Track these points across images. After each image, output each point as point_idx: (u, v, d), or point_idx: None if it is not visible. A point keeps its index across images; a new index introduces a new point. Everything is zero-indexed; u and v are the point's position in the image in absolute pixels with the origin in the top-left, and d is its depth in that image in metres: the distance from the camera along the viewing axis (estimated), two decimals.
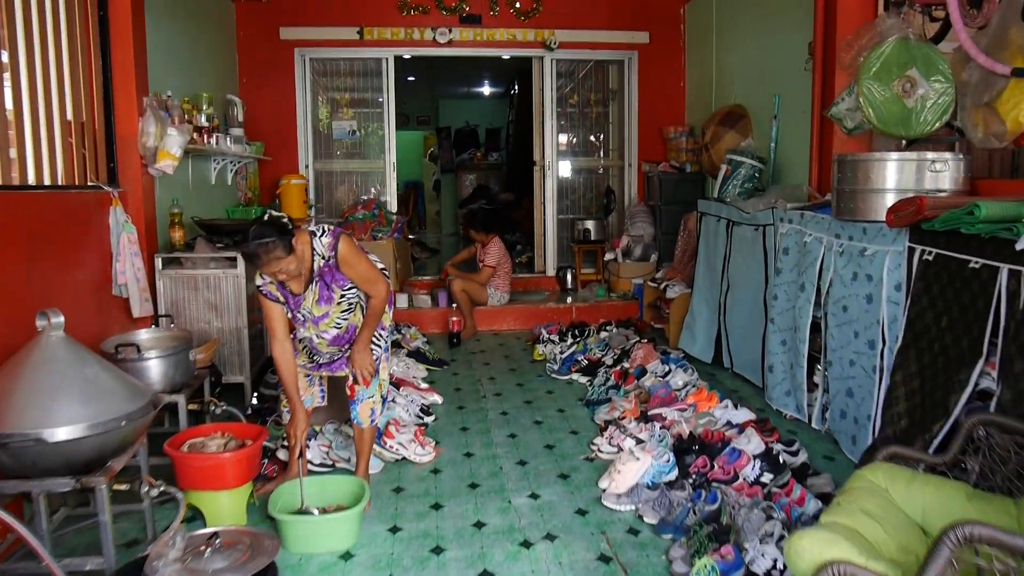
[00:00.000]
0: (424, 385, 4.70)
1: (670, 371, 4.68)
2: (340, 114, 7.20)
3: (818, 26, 4.64)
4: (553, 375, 5.03)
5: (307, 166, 7.02)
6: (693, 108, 7.19)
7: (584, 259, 7.29)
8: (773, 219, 4.37)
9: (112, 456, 2.53)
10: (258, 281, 3.00)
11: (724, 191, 5.16)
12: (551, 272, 7.38)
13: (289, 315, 3.09)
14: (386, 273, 3.29)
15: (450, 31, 6.91)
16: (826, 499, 2.93)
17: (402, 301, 6.47)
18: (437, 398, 4.49)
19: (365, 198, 6.92)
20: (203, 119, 5.07)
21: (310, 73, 7.01)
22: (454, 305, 6.07)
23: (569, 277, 7.18)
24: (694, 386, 4.43)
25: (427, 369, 5.16)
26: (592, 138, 7.59)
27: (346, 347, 3.20)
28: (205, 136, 5.02)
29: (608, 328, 5.91)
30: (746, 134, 5.87)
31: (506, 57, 9.75)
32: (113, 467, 2.50)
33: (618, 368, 4.81)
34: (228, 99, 6.04)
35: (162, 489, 2.56)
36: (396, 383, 4.54)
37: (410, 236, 12.30)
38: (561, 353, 5.32)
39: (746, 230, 4.71)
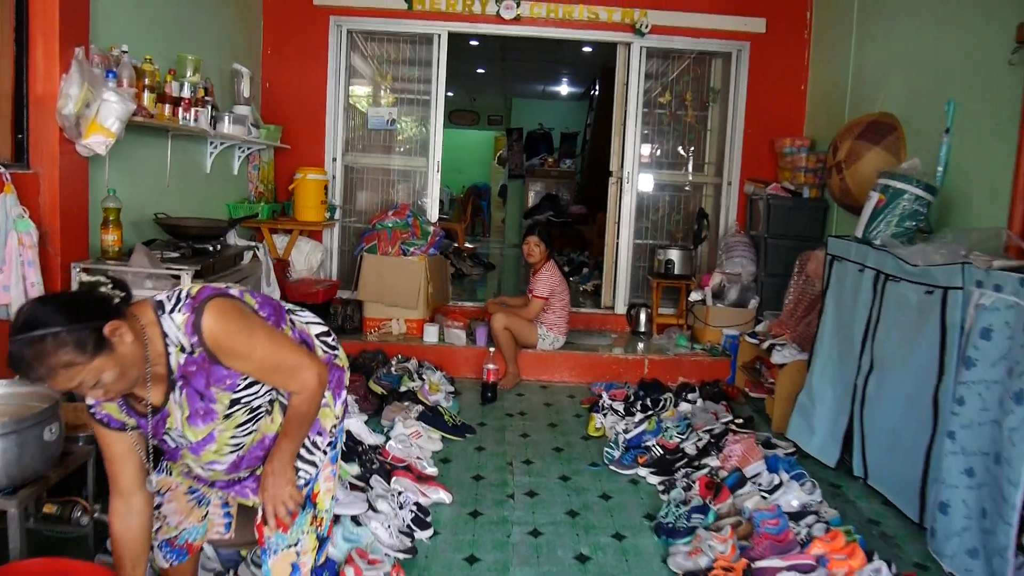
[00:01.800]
0: (430, 469, 3.39)
1: (780, 484, 3.25)
2: (378, 99, 5.99)
3: None
4: (612, 466, 3.65)
5: (335, 159, 5.82)
6: (816, 117, 5.69)
7: (663, 297, 5.87)
8: (963, 280, 2.90)
9: None
10: (89, 399, 1.71)
11: (873, 229, 3.69)
12: (621, 309, 5.99)
13: (153, 441, 1.79)
14: (325, 347, 1.99)
15: (517, 5, 5.61)
16: None
17: (431, 335, 5.18)
18: (443, 495, 3.17)
19: (399, 203, 5.67)
20: (184, 89, 3.91)
21: (346, 48, 5.82)
22: (491, 350, 4.73)
23: (643, 318, 5.77)
24: (820, 519, 3.00)
25: (443, 438, 3.85)
26: (683, 148, 6.15)
27: (259, 466, 1.91)
28: (181, 111, 3.84)
29: (690, 396, 4.49)
30: (897, 153, 4.37)
31: (587, 49, 8.46)
32: None
33: (705, 473, 3.40)
34: (234, 69, 4.89)
35: None
36: (389, 466, 3.25)
37: (467, 245, 11.10)
38: (626, 431, 3.93)
39: (909, 290, 3.24)
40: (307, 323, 2.01)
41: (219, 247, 3.69)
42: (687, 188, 6.17)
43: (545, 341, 5.04)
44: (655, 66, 5.96)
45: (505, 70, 10.85)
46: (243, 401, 1.72)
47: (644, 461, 3.64)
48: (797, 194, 5.41)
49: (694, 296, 5.63)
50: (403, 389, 4.43)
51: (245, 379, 1.70)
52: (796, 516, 3.04)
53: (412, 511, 2.89)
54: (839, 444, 3.73)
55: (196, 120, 3.94)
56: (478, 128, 15.06)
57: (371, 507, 2.82)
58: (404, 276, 5.19)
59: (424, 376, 4.66)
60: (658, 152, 6.09)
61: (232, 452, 1.79)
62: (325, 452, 1.95)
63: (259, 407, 1.77)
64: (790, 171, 5.58)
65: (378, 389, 4.42)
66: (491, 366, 4.56)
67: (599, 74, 10.19)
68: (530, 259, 5.06)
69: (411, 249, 5.31)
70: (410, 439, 3.59)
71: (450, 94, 13.40)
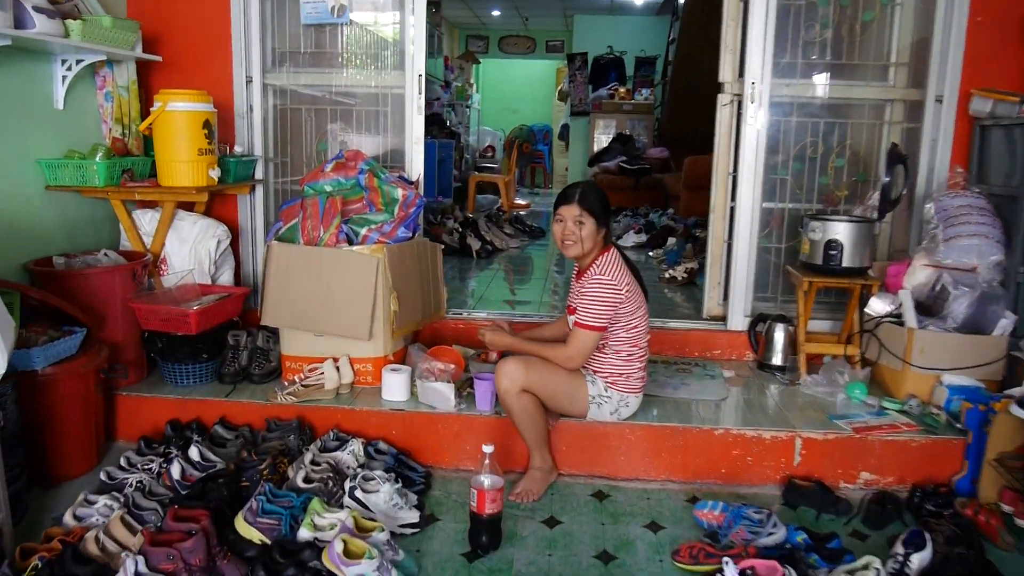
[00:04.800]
0: None
1: None
2: None
3: None
4: None
5: (250, 80, 3.49)
6: None
7: (818, 304, 3.36)
8: None
9: None
10: None
11: None
12: (738, 322, 3.51)
13: None
14: None
15: None
16: None
17: (395, 391, 2.85)
18: None
19: (343, 151, 3.28)
20: None
21: None
22: (488, 449, 2.33)
23: (779, 341, 3.29)
24: None
25: None
26: (849, 41, 3.50)
27: None
28: None
29: (914, 560, 2.04)
30: None
31: None
32: None
33: None
34: None
35: None
36: None
37: (518, 202, 8.70)
38: None
39: None
40: None
41: None
42: (864, 112, 3.55)
43: (604, 406, 2.65)
44: None
45: None
46: None
47: None
48: None
49: (875, 305, 3.12)
50: (304, 537, 2.14)
51: None
52: None
53: None
54: None
55: None
56: (534, 57, 12.47)
57: None
58: (343, 283, 2.86)
59: (361, 489, 2.35)
60: (805, 50, 3.48)
61: None
62: None
63: None
64: None
65: (254, 535, 2.15)
66: (485, 483, 2.20)
67: None
68: (568, 251, 2.64)
69: (362, 231, 2.96)
70: None
71: (496, 14, 10.86)
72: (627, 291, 2.55)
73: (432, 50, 8.62)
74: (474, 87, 11.84)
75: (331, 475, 2.43)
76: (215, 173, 3.03)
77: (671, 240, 5.66)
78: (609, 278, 2.53)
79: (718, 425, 2.73)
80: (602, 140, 9.70)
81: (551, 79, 13.08)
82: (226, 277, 3.34)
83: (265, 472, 2.41)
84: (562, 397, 2.60)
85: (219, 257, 3.27)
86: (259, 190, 3.57)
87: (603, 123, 9.89)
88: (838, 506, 2.52)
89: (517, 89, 13.27)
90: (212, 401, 2.86)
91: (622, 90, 9.96)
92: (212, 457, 2.53)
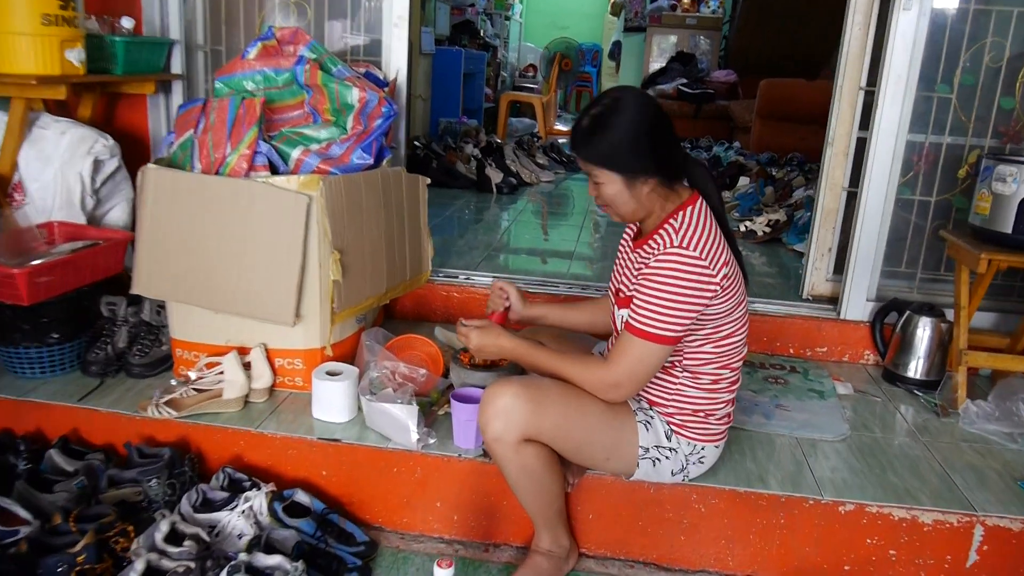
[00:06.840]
0: None
1: None
2: None
3: None
4: None
5: None
6: None
7: (991, 290, 2.22)
8: None
9: None
10: None
11: None
12: (857, 310, 2.40)
13: None
14: None
15: None
16: None
17: (332, 408, 1.83)
18: None
19: (273, 26, 2.17)
20: None
21: None
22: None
23: (923, 343, 2.19)
24: None
25: None
26: None
27: None
28: None
29: None
30: None
31: None
32: None
33: None
34: None
35: None
36: None
37: (557, 128, 7.57)
38: None
39: None
40: None
41: None
42: None
43: (665, 463, 1.59)
44: None
45: None
46: None
47: None
48: None
49: None
50: None
51: None
52: None
53: None
54: None
55: None
56: None
57: None
58: (255, 234, 1.82)
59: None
60: None
61: None
62: None
63: None
64: None
65: None
66: None
67: None
68: (613, 217, 1.55)
69: (295, 153, 1.90)
70: None
71: None
72: (724, 278, 1.47)
73: None
74: None
75: (197, 564, 1.44)
76: (75, 55, 1.98)
77: (743, 180, 4.49)
78: (695, 255, 1.43)
79: (845, 497, 1.67)
80: (657, 63, 8.40)
81: None
82: (118, 214, 2.32)
83: (80, 559, 1.43)
84: (595, 448, 1.55)
85: (102, 185, 2.25)
86: (177, 89, 2.53)
87: (660, 40, 8.56)
88: None
89: (566, 2, 11.84)
90: (60, 407, 1.89)
91: (686, 2, 8.57)
92: (21, 514, 1.56)
